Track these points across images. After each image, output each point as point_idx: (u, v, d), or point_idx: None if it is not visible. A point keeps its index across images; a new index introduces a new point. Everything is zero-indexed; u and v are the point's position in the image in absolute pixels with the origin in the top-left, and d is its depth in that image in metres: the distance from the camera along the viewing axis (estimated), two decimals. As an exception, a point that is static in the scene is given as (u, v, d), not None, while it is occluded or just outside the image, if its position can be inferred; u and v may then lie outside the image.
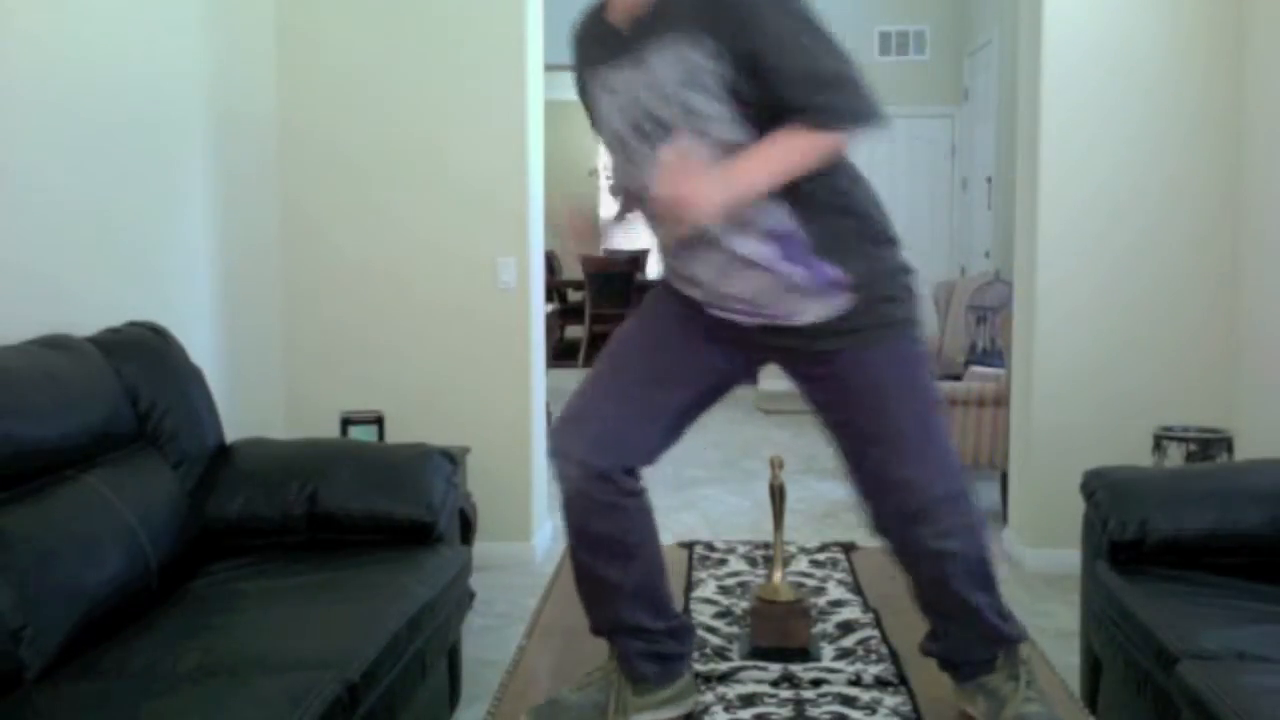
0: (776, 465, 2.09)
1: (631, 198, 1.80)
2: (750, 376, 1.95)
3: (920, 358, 1.78)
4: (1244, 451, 3.77)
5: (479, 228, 4.11)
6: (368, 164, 4.14)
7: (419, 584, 2.45)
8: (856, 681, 1.94)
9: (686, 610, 2.31)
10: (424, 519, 2.73)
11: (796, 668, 1.99)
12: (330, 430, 4.00)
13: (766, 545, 2.79)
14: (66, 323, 2.66)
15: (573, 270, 10.97)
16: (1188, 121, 3.96)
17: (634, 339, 1.87)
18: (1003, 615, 1.84)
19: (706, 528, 4.70)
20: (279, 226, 4.14)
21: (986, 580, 1.81)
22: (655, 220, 1.76)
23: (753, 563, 2.66)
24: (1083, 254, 4.01)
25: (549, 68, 4.46)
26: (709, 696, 1.90)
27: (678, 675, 1.86)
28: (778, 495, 2.10)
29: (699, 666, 1.99)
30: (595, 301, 9.69)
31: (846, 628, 2.20)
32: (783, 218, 1.67)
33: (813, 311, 1.72)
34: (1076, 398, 4.04)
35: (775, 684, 1.94)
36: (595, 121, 1.81)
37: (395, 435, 4.03)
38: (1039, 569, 4.05)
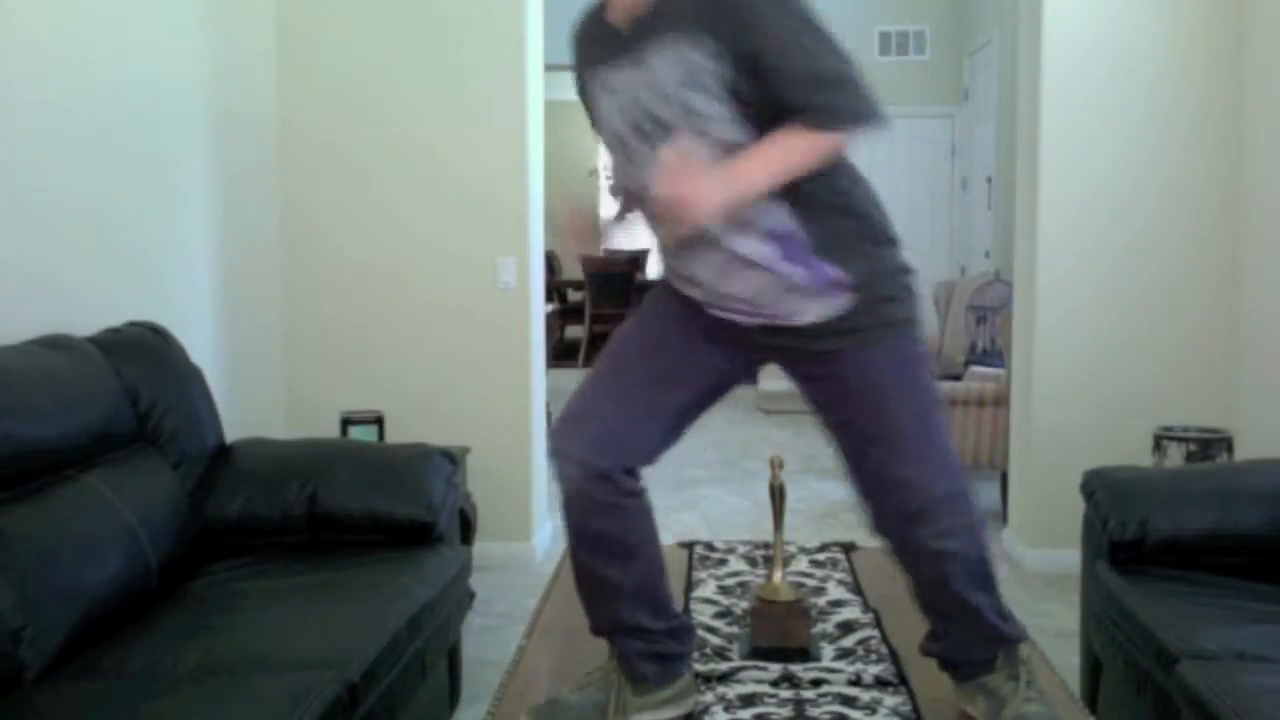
0: (776, 465, 2.09)
1: (631, 198, 1.80)
2: (750, 376, 1.95)
3: (920, 358, 1.78)
4: (1244, 451, 3.77)
5: (479, 228, 4.11)
6: (368, 164, 4.14)
7: (419, 584, 2.45)
8: (856, 681, 1.94)
9: (686, 610, 2.31)
10: (424, 519, 2.73)
11: (796, 668, 1.99)
12: (330, 430, 4.00)
13: (766, 545, 2.79)
14: (66, 323, 2.66)
15: (573, 270, 10.97)
16: (1188, 121, 3.96)
17: (634, 339, 1.87)
18: (1003, 615, 1.83)
19: (706, 528, 4.70)
20: (279, 227, 4.14)
21: (986, 580, 1.81)
22: (655, 220, 1.76)
23: (753, 563, 2.66)
24: (1083, 254, 4.01)
25: (549, 68, 4.46)
26: (709, 696, 1.89)
27: (678, 675, 1.86)
28: (778, 495, 2.10)
29: (699, 666, 1.99)
30: (595, 301, 9.69)
31: (846, 628, 2.20)
32: (783, 218, 1.67)
33: (813, 311, 1.72)
34: (1076, 398, 4.04)
35: (775, 684, 1.94)
36: (595, 121, 1.81)
37: (395, 435, 4.03)
38: (1039, 569, 4.05)
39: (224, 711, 1.77)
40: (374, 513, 2.72)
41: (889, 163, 8.60)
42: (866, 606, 2.33)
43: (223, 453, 2.83)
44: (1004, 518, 4.54)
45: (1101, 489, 2.64)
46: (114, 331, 2.67)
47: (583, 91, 1.82)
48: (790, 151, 1.59)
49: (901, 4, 8.47)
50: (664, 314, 1.87)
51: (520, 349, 4.16)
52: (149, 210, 3.20)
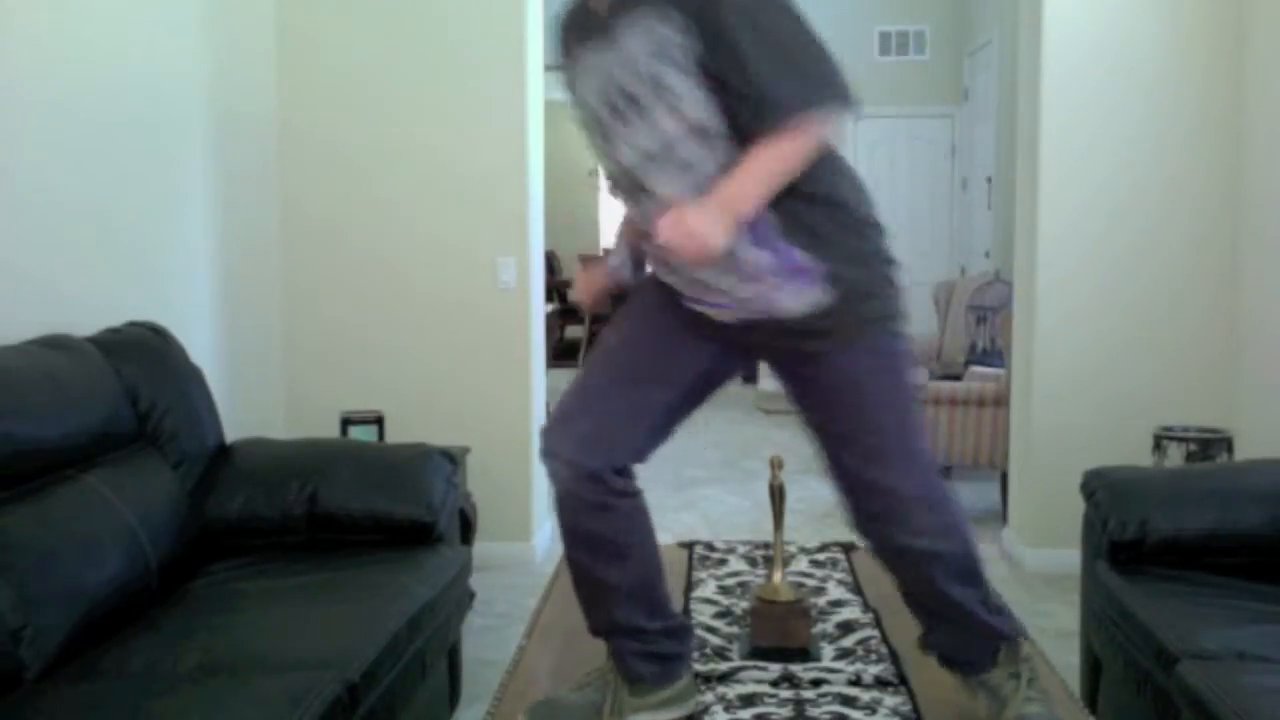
0: (776, 465, 2.09)
1: (616, 182, 1.79)
2: (740, 374, 1.94)
3: (900, 356, 1.76)
4: (1244, 451, 3.77)
5: (479, 228, 4.11)
6: (368, 164, 4.14)
7: (419, 584, 2.45)
8: (856, 681, 1.94)
9: (686, 610, 2.31)
10: (424, 519, 2.73)
11: (796, 668, 1.99)
12: (330, 430, 4.00)
13: (766, 545, 2.79)
14: (66, 323, 2.66)
15: (573, 270, 10.97)
16: (1188, 121, 3.96)
17: (620, 338, 1.87)
18: (994, 611, 1.83)
19: (706, 528, 4.70)
20: (279, 227, 4.14)
21: (971, 577, 1.80)
22: (633, 200, 1.75)
23: (753, 563, 2.66)
24: (1083, 254, 4.01)
25: (549, 68, 4.45)
26: (709, 696, 1.89)
27: (676, 676, 1.85)
28: (778, 495, 2.10)
29: (699, 666, 1.99)
30: (595, 301, 9.66)
31: (846, 628, 2.20)
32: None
33: (785, 301, 1.69)
34: (1076, 398, 4.04)
35: (775, 684, 1.94)
36: (576, 104, 1.80)
37: (395, 435, 4.03)
38: (1039, 569, 4.05)
39: (224, 711, 1.77)
40: (374, 513, 2.72)
41: (889, 163, 8.60)
42: (866, 606, 2.33)
43: (223, 453, 2.83)
44: (1004, 518, 4.54)
45: (1101, 489, 2.64)
46: (114, 331, 2.67)
47: (565, 77, 1.82)
48: (774, 160, 1.58)
49: (901, 4, 8.47)
50: (649, 312, 1.86)
51: (520, 349, 4.16)
52: (149, 210, 3.20)
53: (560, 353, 10.11)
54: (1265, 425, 3.72)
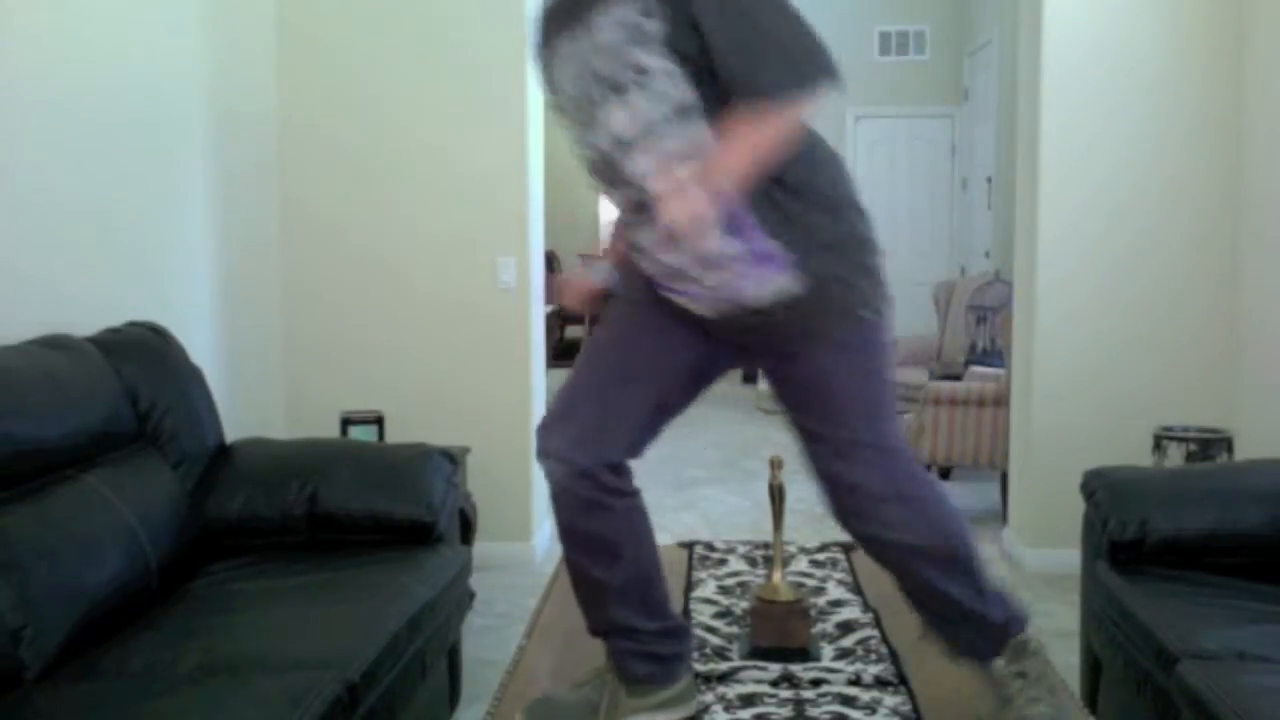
0: (776, 465, 2.09)
1: (595, 168, 1.78)
2: (728, 371, 1.91)
3: (873, 348, 1.74)
4: (1244, 451, 3.77)
5: (479, 228, 4.11)
6: (368, 164, 4.14)
7: (419, 584, 2.45)
8: (856, 681, 1.94)
9: (686, 610, 2.31)
10: (424, 519, 2.73)
11: (796, 668, 1.99)
12: (330, 430, 4.00)
13: (766, 545, 2.79)
14: (66, 323, 2.66)
15: (573, 270, 10.97)
16: (1188, 121, 3.96)
17: (608, 335, 1.87)
18: (992, 604, 1.80)
19: (706, 528, 4.70)
20: (279, 227, 4.15)
21: (960, 570, 1.77)
22: (614, 188, 1.75)
23: (753, 563, 2.66)
24: (1083, 254, 4.01)
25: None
26: (709, 696, 1.89)
27: (675, 677, 1.85)
28: (777, 495, 2.10)
29: (699, 666, 1.99)
30: (595, 301, 9.66)
31: (846, 628, 2.20)
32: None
33: (751, 288, 1.67)
34: (1076, 398, 4.04)
35: (775, 684, 1.94)
36: (553, 94, 1.79)
37: (395, 435, 4.03)
38: (1039, 569, 4.05)
39: (224, 711, 1.77)
40: (374, 513, 2.72)
41: (889, 163, 8.60)
42: (866, 606, 2.33)
43: (223, 453, 2.83)
44: (1004, 518, 4.54)
45: (1101, 489, 2.64)
46: (114, 331, 2.67)
47: (543, 68, 1.81)
48: (758, 135, 1.56)
49: (901, 4, 8.47)
50: (636, 308, 1.86)
51: (520, 349, 4.16)
52: (149, 210, 3.21)
53: (560, 353, 10.10)
54: (1265, 425, 3.72)
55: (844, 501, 1.75)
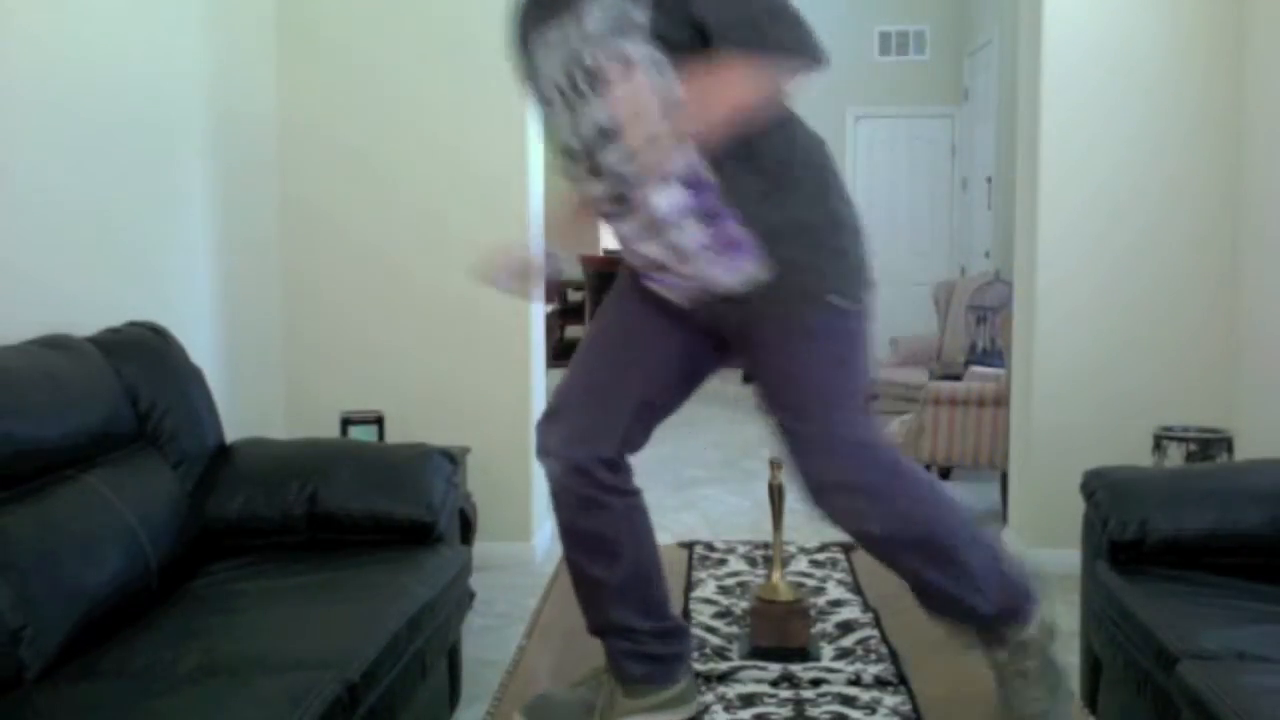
0: (776, 466, 2.09)
1: (574, 160, 1.77)
2: (720, 364, 1.89)
3: (846, 335, 1.70)
4: (1244, 451, 3.77)
5: (479, 227, 4.11)
6: (368, 164, 4.14)
7: (419, 584, 2.45)
8: (856, 681, 1.94)
9: (686, 610, 2.31)
10: (424, 519, 2.73)
11: (796, 668, 1.98)
12: (330, 430, 4.00)
13: (766, 545, 2.79)
14: (66, 323, 2.66)
15: (573, 270, 10.97)
16: (1188, 121, 3.96)
17: (599, 330, 1.87)
18: (979, 596, 1.74)
19: (706, 528, 4.70)
20: (279, 226, 4.15)
21: (940, 560, 1.73)
22: (593, 179, 1.74)
23: (753, 563, 2.66)
24: (1083, 254, 4.01)
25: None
26: (709, 696, 1.89)
27: (672, 679, 1.84)
28: (777, 495, 2.10)
29: (699, 666, 1.99)
30: (595, 301, 9.69)
31: (846, 627, 2.20)
32: (696, 163, 1.63)
33: (721, 276, 1.66)
34: (1076, 398, 4.04)
35: (775, 684, 1.94)
36: (534, 84, 1.78)
37: (395, 435, 4.03)
38: (1039, 569, 4.04)
39: (224, 711, 1.77)
40: (374, 513, 2.72)
41: (889, 163, 8.60)
42: (866, 606, 2.33)
43: (223, 453, 2.83)
44: (1004, 518, 4.54)
45: (1101, 489, 2.64)
46: (114, 331, 2.67)
47: (523, 58, 1.79)
48: (734, 83, 1.55)
49: (901, 4, 8.47)
50: (625, 303, 1.86)
51: (520, 349, 4.16)
52: (149, 210, 3.20)
53: (560, 353, 10.10)
54: (1265, 425, 3.72)
55: (817, 494, 1.71)
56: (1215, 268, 3.98)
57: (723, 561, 2.68)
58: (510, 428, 4.15)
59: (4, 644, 1.90)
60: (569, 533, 1.82)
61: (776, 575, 2.09)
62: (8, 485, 2.11)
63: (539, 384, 4.30)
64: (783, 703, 1.86)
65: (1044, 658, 1.79)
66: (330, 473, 2.76)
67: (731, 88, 1.55)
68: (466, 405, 4.15)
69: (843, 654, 2.07)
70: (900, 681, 1.95)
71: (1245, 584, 2.39)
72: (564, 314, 10.56)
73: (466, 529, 3.16)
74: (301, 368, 4.19)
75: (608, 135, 1.63)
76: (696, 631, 2.16)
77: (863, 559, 2.67)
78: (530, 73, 1.77)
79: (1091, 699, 2.65)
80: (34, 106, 2.67)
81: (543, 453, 1.80)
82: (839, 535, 1.88)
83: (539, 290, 1.99)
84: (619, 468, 1.81)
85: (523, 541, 4.21)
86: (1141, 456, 3.85)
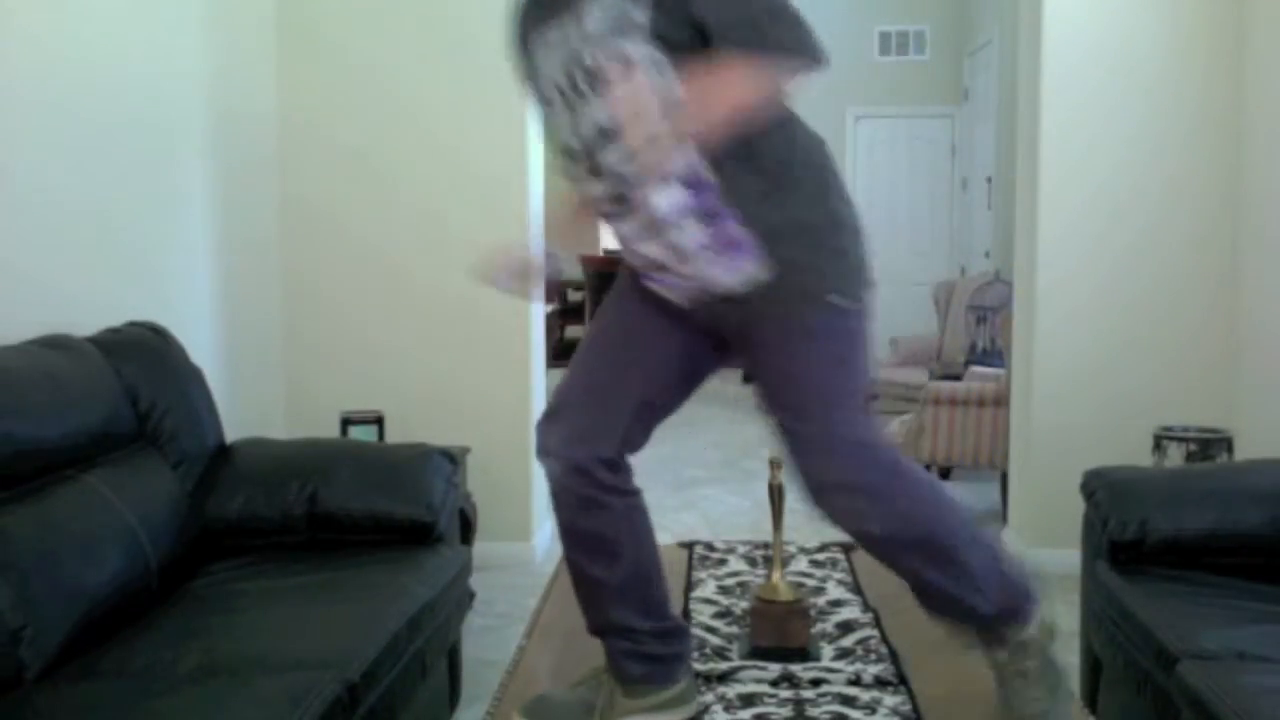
0: (776, 465, 2.09)
1: (574, 155, 1.77)
2: (719, 363, 1.89)
3: (846, 335, 1.69)
4: (1244, 451, 3.77)
5: (479, 227, 4.11)
6: (368, 164, 4.14)
7: (419, 584, 2.45)
8: (856, 681, 1.94)
9: (686, 610, 2.31)
10: (424, 519, 2.73)
11: (796, 667, 1.98)
12: (330, 430, 4.00)
13: (766, 545, 2.79)
14: (66, 323, 2.66)
15: (573, 270, 10.98)
16: (1188, 121, 3.96)
17: (599, 329, 1.87)
18: (979, 596, 1.74)
19: (706, 528, 4.70)
20: (279, 226, 4.15)
21: (939, 560, 1.72)
22: (593, 180, 1.74)
23: (753, 563, 2.66)
24: (1083, 254, 4.01)
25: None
26: (709, 696, 1.89)
27: (671, 679, 1.84)
28: (777, 495, 2.10)
29: (699, 666, 1.99)
30: (595, 301, 9.69)
31: (846, 627, 2.20)
32: (696, 164, 1.63)
33: (721, 276, 1.66)
34: (1076, 398, 4.04)
35: (775, 684, 1.94)
36: (535, 83, 1.78)
37: (395, 435, 4.03)
38: (1039, 569, 4.04)
39: (224, 711, 1.77)
40: (374, 513, 2.72)
41: (889, 163, 8.60)
42: (866, 606, 2.33)
43: (223, 453, 2.83)
44: (1004, 518, 4.54)
45: (1101, 489, 2.64)
46: (114, 331, 2.67)
47: (523, 58, 1.80)
48: (734, 83, 1.55)
49: (901, 4, 8.47)
50: (625, 303, 1.86)
51: (520, 349, 4.16)
52: (149, 210, 3.21)
53: (560, 353, 10.10)
54: (1265, 425, 3.72)
55: (817, 494, 1.71)
56: (1215, 268, 3.98)
57: (723, 561, 2.68)
58: (510, 428, 4.15)
59: (4, 644, 1.90)
60: (569, 533, 1.82)
61: (776, 575, 2.09)
62: (8, 485, 2.11)
63: (539, 384, 4.30)
64: (783, 703, 1.86)
65: (1044, 658, 1.79)
66: (330, 473, 2.76)
67: (731, 87, 1.55)
68: (466, 405, 4.15)
69: (843, 654, 2.07)
70: (900, 681, 1.95)
71: (1245, 584, 2.39)
72: (564, 314, 10.56)
73: (466, 529, 3.16)
74: (301, 368, 4.19)
75: (608, 135, 1.63)
76: (696, 631, 2.16)
77: (863, 559, 2.67)
78: (530, 72, 1.77)
79: (1091, 699, 2.65)
80: (34, 106, 2.67)
81: (543, 452, 1.81)
82: (839, 535, 1.88)
83: (539, 290, 1.99)
84: (619, 467, 1.81)
85: (523, 541, 4.21)
86: (1141, 456, 3.85)
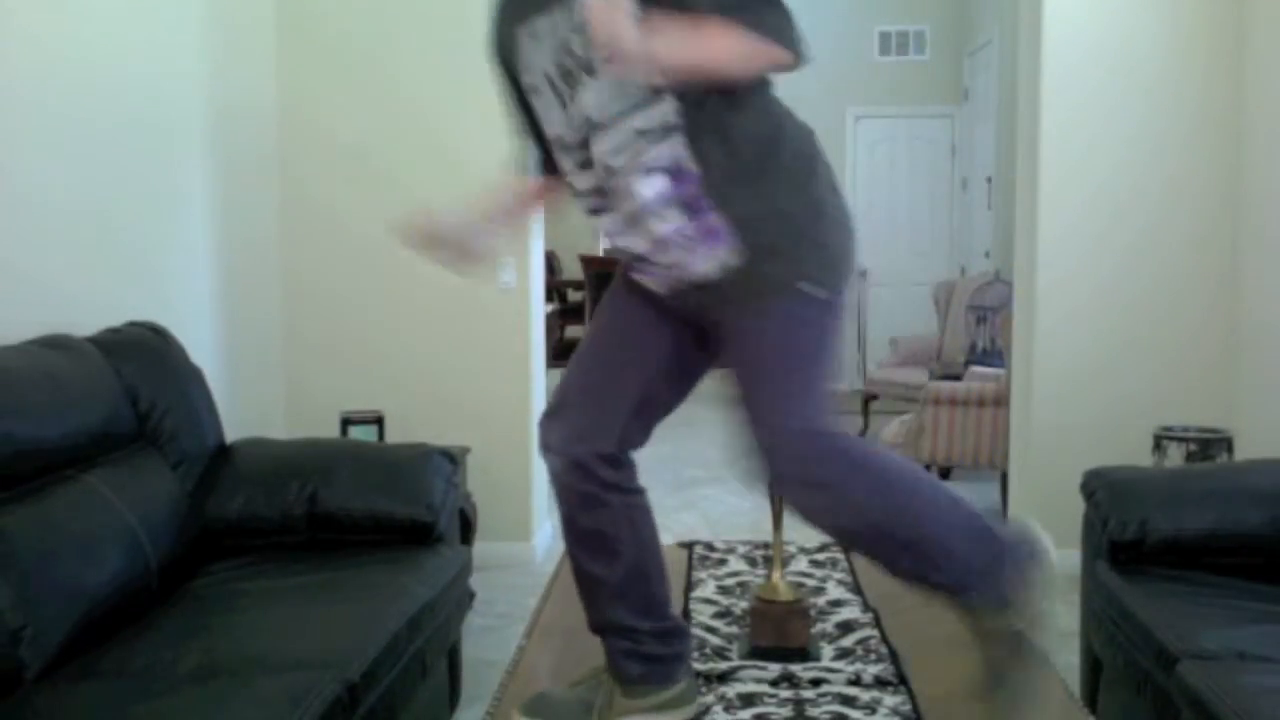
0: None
1: (565, 146, 1.76)
2: (704, 366, 1.87)
3: (812, 325, 1.67)
4: (1244, 451, 3.77)
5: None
6: (368, 164, 4.14)
7: (419, 584, 2.45)
8: (856, 681, 1.94)
9: (686, 610, 2.31)
10: (424, 519, 2.73)
11: (796, 667, 1.98)
12: (330, 430, 4.00)
13: (766, 545, 2.79)
14: (66, 323, 2.66)
15: (573, 270, 10.98)
16: (1188, 121, 3.96)
17: (596, 327, 1.88)
18: (934, 571, 1.70)
19: (706, 528, 4.70)
20: (279, 226, 4.15)
21: (903, 551, 1.70)
22: (578, 171, 1.73)
23: (753, 563, 2.66)
24: (1083, 254, 4.01)
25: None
26: (709, 697, 1.89)
27: (670, 680, 1.84)
28: (777, 495, 2.10)
29: (699, 666, 1.99)
30: (595, 301, 9.69)
31: (846, 627, 2.20)
32: (681, 152, 1.63)
33: (698, 264, 1.66)
34: (1076, 398, 4.04)
35: (775, 684, 1.94)
36: (521, 73, 1.77)
37: (395, 435, 4.03)
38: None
39: (224, 711, 1.77)
40: (374, 513, 2.72)
41: (889, 163, 8.60)
42: (866, 606, 2.33)
43: (223, 453, 2.83)
44: (1004, 518, 4.54)
45: (1101, 489, 2.64)
46: (114, 331, 2.67)
47: (505, 51, 1.79)
48: (718, 39, 1.56)
49: (901, 4, 8.47)
50: (620, 299, 1.87)
51: (520, 349, 4.16)
52: (149, 210, 3.20)
53: (560, 353, 10.10)
54: (1265, 425, 3.72)
55: (776, 485, 1.68)
56: (1215, 268, 3.98)
57: (723, 561, 2.68)
58: (510, 428, 4.15)
59: (4, 644, 1.90)
60: (570, 529, 1.83)
61: (776, 575, 2.09)
62: (8, 485, 2.11)
63: (539, 384, 4.30)
64: (783, 703, 1.86)
65: (1016, 642, 1.73)
66: (330, 473, 2.76)
67: (711, 40, 1.56)
68: (466, 405, 4.15)
69: (843, 654, 2.07)
70: (900, 681, 1.95)
71: (1245, 584, 2.39)
72: (564, 314, 10.56)
73: (466, 529, 3.16)
74: (301, 368, 4.19)
75: (595, 126, 1.64)
76: (696, 631, 2.16)
77: (863, 559, 2.67)
78: (506, 61, 1.78)
79: (1091, 699, 2.65)
80: (34, 106, 2.67)
81: (544, 449, 1.82)
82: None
83: (461, 263, 1.92)
84: (620, 464, 1.81)
85: (523, 541, 4.21)
86: (1141, 456, 3.85)
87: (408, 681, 2.29)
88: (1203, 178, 3.97)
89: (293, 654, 2.01)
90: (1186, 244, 3.99)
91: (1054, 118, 3.99)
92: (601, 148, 1.65)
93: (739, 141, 1.64)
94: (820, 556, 2.71)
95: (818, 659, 2.04)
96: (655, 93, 1.61)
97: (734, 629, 2.20)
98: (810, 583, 2.50)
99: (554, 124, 1.73)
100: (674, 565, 2.43)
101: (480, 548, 3.83)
